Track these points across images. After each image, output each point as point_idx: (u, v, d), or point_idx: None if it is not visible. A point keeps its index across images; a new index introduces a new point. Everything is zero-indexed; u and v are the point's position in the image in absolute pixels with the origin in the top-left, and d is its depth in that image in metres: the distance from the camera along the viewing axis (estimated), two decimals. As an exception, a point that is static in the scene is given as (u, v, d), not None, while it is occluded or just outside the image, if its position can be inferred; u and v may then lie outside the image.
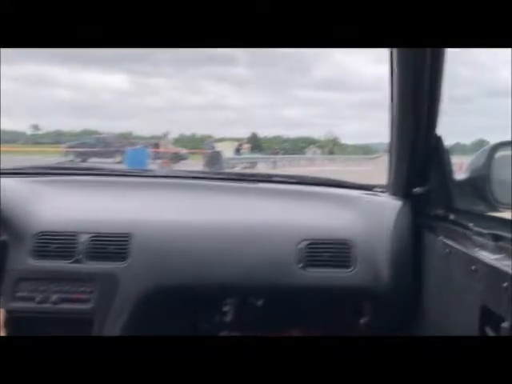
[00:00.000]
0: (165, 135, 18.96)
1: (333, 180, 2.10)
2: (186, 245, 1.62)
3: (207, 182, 1.97)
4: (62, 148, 20.30)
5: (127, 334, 1.55)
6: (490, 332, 1.07)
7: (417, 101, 1.47)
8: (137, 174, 2.11)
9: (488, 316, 1.07)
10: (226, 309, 1.71)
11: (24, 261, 1.57)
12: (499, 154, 1.41)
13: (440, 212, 1.49)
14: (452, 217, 1.43)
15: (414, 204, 1.64)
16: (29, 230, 1.60)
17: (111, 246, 1.60)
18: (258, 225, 1.69)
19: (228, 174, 2.08)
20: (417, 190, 1.59)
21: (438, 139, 1.53)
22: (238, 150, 21.11)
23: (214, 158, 14.52)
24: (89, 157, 18.99)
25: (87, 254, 1.58)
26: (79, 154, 19.01)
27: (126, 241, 1.60)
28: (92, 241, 1.59)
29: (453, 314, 1.30)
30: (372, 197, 1.83)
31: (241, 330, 1.73)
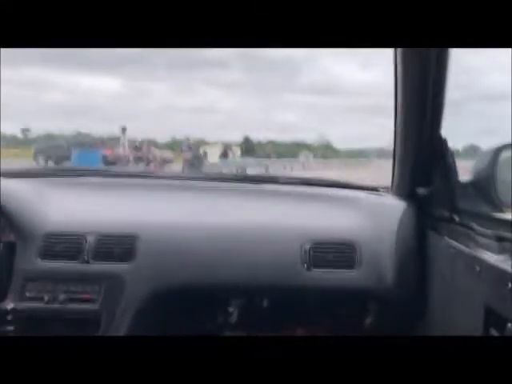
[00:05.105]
0: (123, 131, 14.63)
1: (337, 181, 2.10)
2: (191, 246, 1.63)
3: (212, 183, 1.98)
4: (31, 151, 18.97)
5: (133, 334, 1.56)
6: (494, 333, 1.08)
7: (421, 101, 1.48)
8: (142, 175, 2.12)
9: (492, 317, 1.07)
10: (231, 309, 1.72)
11: (32, 261, 1.58)
12: (504, 155, 1.42)
13: (444, 213, 1.49)
14: (456, 218, 1.44)
15: (419, 205, 1.64)
16: (36, 231, 1.61)
17: (117, 247, 1.61)
18: (262, 226, 1.70)
19: (233, 175, 2.10)
20: (421, 190, 1.60)
21: (443, 140, 1.53)
22: (224, 154, 19.09)
23: (195, 162, 13.33)
24: (60, 160, 17.49)
25: (94, 254, 1.59)
26: (48, 157, 17.69)
27: (132, 242, 1.61)
28: (98, 242, 1.60)
29: (457, 315, 1.30)
30: (376, 198, 1.83)
31: (246, 330, 1.74)
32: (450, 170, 1.51)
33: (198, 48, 1.49)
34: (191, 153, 14.70)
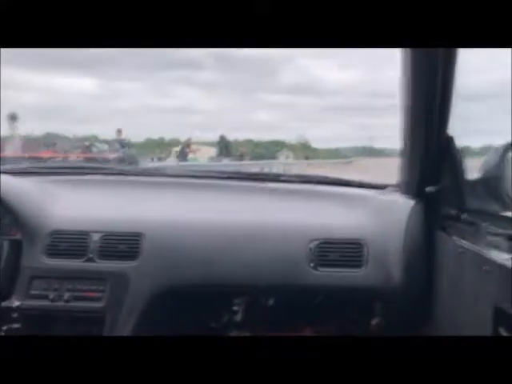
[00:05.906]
0: (11, 118, 10.57)
1: (343, 179, 2.08)
2: (196, 244, 1.63)
3: (218, 181, 1.97)
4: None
5: (138, 332, 1.56)
6: (503, 333, 1.07)
7: (429, 100, 1.47)
8: (148, 173, 2.12)
9: (501, 317, 1.07)
10: (236, 308, 1.72)
11: (37, 259, 1.58)
12: None
13: (452, 211, 1.48)
14: (465, 216, 1.43)
15: (427, 203, 1.63)
16: (42, 229, 1.61)
17: (123, 245, 1.61)
18: (269, 224, 1.69)
19: (239, 173, 2.10)
20: (429, 189, 1.59)
21: (450, 139, 1.52)
22: (182, 154, 15.13)
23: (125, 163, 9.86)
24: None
25: (99, 252, 1.59)
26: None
27: (138, 240, 1.61)
28: (104, 240, 1.60)
29: (465, 315, 1.30)
30: (384, 196, 1.82)
31: (251, 329, 1.73)
32: (457, 169, 1.51)
33: (185, 48, 1.48)
34: (122, 152, 11.86)
